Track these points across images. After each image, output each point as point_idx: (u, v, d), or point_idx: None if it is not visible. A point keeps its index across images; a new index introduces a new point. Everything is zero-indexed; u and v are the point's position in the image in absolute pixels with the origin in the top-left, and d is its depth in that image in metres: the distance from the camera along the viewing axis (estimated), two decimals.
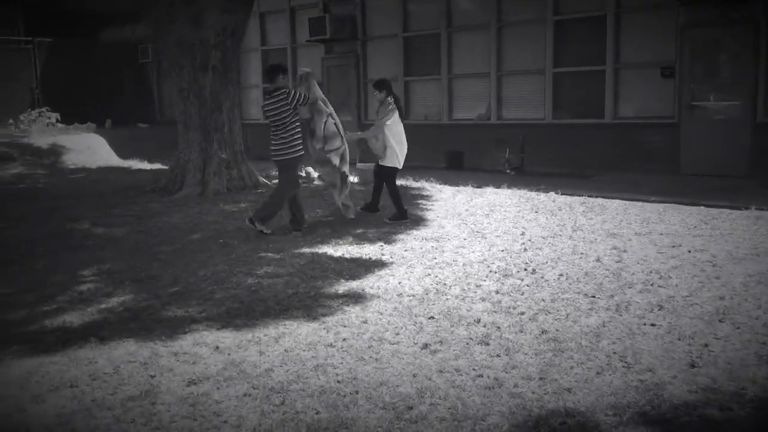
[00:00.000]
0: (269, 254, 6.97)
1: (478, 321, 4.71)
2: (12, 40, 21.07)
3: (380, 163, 8.62)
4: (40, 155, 16.92)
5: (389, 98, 8.68)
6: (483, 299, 5.25)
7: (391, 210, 8.62)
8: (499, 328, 4.58)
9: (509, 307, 5.02)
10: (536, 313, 4.90)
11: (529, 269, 6.12)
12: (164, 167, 16.19)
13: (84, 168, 15.89)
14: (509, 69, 14.43)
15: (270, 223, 7.92)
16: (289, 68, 18.78)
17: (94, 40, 24.01)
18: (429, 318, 4.82)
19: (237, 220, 8.83)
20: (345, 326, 4.69)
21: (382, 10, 16.54)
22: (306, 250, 7.12)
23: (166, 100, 24.02)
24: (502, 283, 5.70)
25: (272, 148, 7.92)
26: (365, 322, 4.77)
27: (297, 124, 7.81)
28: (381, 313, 4.96)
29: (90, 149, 18.14)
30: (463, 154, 14.62)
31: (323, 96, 8.12)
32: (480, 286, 5.65)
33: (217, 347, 4.39)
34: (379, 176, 8.79)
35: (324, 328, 4.67)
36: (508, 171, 13.83)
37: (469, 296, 5.36)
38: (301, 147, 7.92)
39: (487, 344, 4.31)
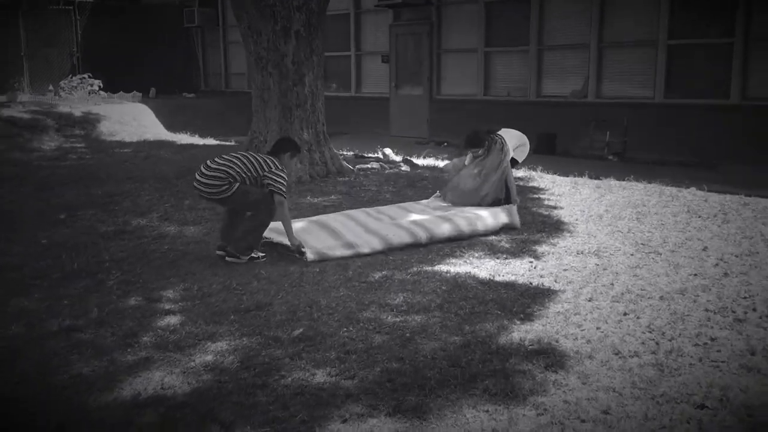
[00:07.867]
0: (394, 273, 5.49)
1: None
2: (51, 0, 19.61)
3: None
4: (82, 126, 15.52)
5: (495, 143, 7.29)
6: (746, 368, 3.72)
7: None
8: None
9: None
10: None
11: (761, 310, 4.58)
12: (217, 143, 14.81)
13: (131, 142, 14.48)
14: (612, 40, 12.71)
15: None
16: (351, 36, 17.20)
17: (138, 2, 22.51)
18: (698, 408, 3.30)
19: None
20: (582, 420, 3.19)
21: None
22: (440, 267, 5.62)
23: (210, 68, 22.57)
24: (743, 335, 4.17)
25: None
26: (606, 412, 3.25)
27: None
28: (618, 393, 3.44)
29: (136, 120, 16.79)
30: (556, 137, 12.98)
31: None
32: (715, 339, 4.12)
33: None
34: None
35: (553, 423, 3.18)
36: (609, 157, 12.20)
37: (715, 360, 3.83)
38: None
39: None
